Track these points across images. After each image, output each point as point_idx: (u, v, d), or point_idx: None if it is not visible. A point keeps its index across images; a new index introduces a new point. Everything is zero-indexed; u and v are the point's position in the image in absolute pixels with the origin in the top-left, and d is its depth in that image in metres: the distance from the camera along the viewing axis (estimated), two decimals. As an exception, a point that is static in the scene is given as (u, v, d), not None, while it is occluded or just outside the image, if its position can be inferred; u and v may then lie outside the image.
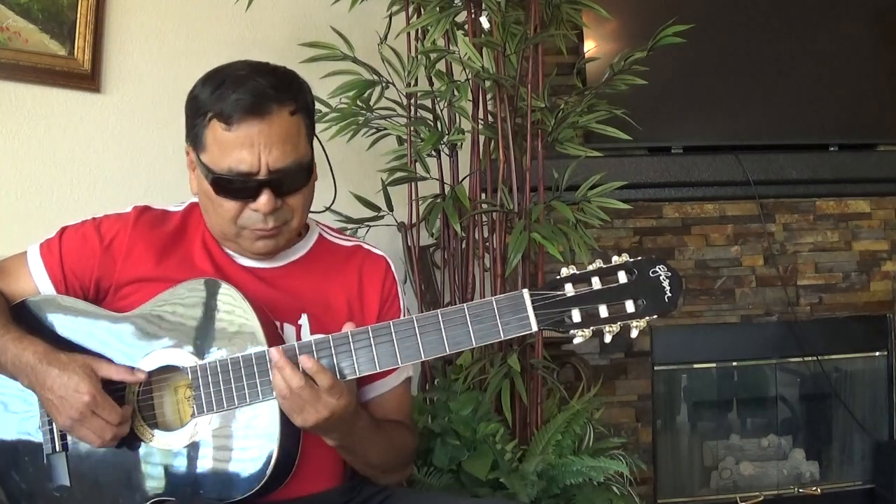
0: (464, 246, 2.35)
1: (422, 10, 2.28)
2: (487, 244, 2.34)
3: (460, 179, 2.35)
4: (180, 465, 1.41)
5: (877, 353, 3.41)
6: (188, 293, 1.44)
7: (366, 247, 1.65)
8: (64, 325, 1.49)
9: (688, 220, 3.27)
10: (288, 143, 1.44)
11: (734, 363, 3.39)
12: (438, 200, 2.31)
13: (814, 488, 3.33)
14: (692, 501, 3.35)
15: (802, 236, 3.32)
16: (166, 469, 1.42)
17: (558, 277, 1.35)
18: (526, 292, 1.35)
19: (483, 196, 2.35)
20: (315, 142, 1.55)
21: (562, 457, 2.15)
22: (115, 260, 1.52)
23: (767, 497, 3.30)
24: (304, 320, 1.53)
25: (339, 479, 1.57)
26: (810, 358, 3.33)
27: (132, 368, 1.42)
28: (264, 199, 1.43)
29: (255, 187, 1.43)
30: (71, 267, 1.53)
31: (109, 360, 1.43)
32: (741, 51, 3.26)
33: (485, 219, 2.34)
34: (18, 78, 2.41)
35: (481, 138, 2.34)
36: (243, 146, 1.42)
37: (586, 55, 2.92)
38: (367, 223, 2.37)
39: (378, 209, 2.36)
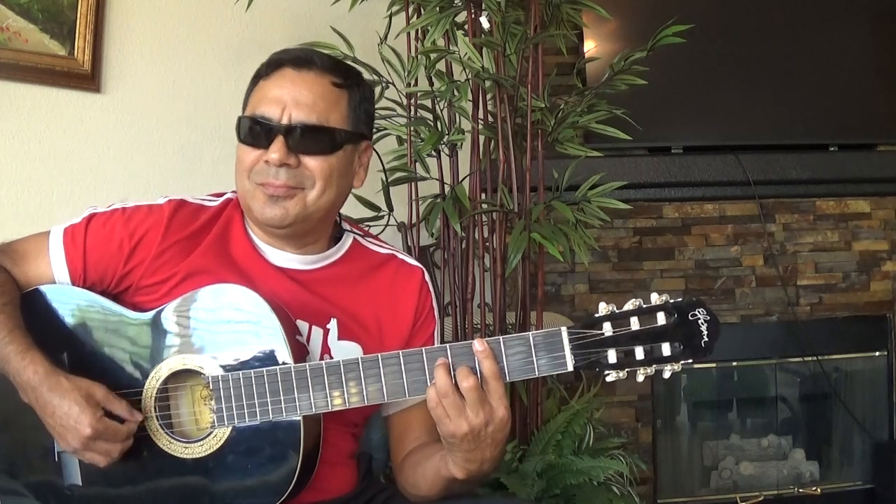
0: (464, 246, 2.34)
1: (422, 10, 2.28)
2: (487, 244, 2.34)
3: (460, 179, 2.35)
4: (198, 474, 1.38)
5: (877, 353, 3.40)
6: (212, 298, 1.40)
7: (400, 256, 1.62)
8: (78, 320, 1.44)
9: (688, 220, 3.26)
10: (319, 104, 1.45)
11: (734, 363, 3.39)
12: (438, 200, 2.30)
13: (814, 488, 3.33)
14: (692, 501, 3.34)
15: (802, 236, 3.32)
16: (183, 478, 1.38)
17: (597, 315, 1.29)
18: (564, 330, 1.30)
19: (483, 196, 2.35)
20: None
21: (562, 457, 2.15)
22: (143, 259, 1.47)
23: (767, 497, 3.30)
24: (332, 324, 1.51)
25: (351, 485, 1.56)
26: (810, 358, 3.33)
27: (132, 410, 1.36)
28: (276, 147, 1.42)
29: (271, 133, 1.43)
30: (94, 262, 1.47)
31: (112, 392, 1.36)
32: (741, 51, 3.25)
33: (485, 219, 2.34)
34: (18, 78, 2.41)
35: (481, 138, 2.34)
36: (274, 91, 1.45)
37: (586, 55, 2.92)
38: (367, 223, 2.37)
39: (378, 209, 2.35)
